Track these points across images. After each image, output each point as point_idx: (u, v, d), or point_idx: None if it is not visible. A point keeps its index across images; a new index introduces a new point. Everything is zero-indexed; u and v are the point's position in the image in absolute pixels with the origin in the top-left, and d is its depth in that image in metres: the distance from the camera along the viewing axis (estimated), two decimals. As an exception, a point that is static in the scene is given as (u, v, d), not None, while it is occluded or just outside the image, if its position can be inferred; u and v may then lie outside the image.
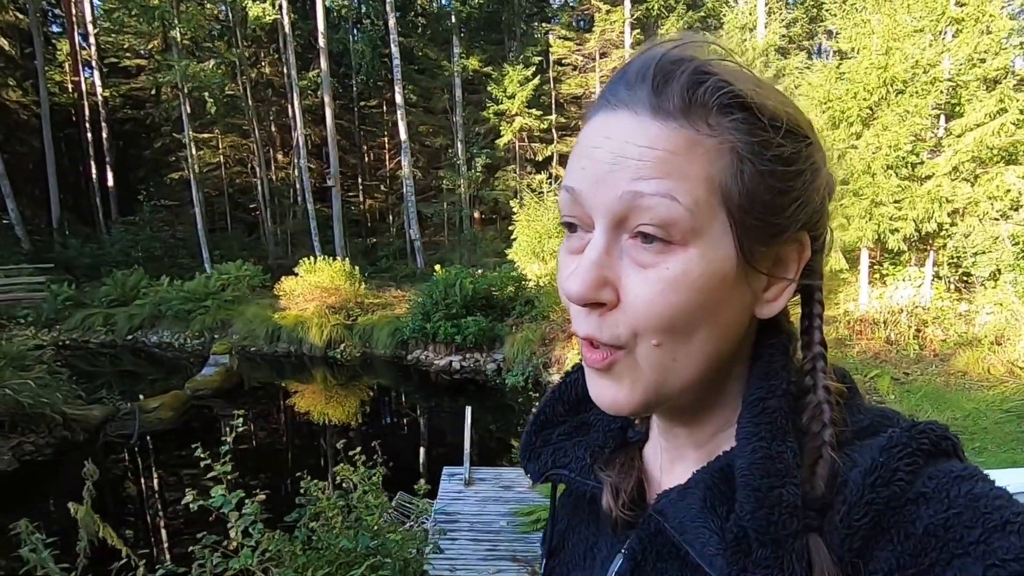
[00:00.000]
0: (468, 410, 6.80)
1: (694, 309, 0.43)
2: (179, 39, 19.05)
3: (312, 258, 14.77)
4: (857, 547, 0.39)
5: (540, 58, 22.28)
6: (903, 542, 0.37)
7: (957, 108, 11.92)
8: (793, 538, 0.40)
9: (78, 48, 23.48)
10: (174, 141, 23.62)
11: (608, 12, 21.11)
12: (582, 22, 24.48)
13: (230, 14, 21.34)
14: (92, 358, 13.11)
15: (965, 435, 6.49)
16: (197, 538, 2.85)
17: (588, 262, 0.44)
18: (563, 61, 22.75)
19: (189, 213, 22.77)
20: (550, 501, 0.65)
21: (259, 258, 19.40)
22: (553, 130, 22.24)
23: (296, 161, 23.89)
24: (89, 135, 23.52)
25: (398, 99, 20.04)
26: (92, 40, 23.28)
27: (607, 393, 0.47)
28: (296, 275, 14.13)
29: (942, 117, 12.03)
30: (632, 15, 20.90)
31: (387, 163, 26.88)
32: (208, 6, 21.44)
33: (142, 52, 24.58)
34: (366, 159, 26.93)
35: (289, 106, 23.61)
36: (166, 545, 6.02)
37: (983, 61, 11.20)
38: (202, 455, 2.91)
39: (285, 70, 23.19)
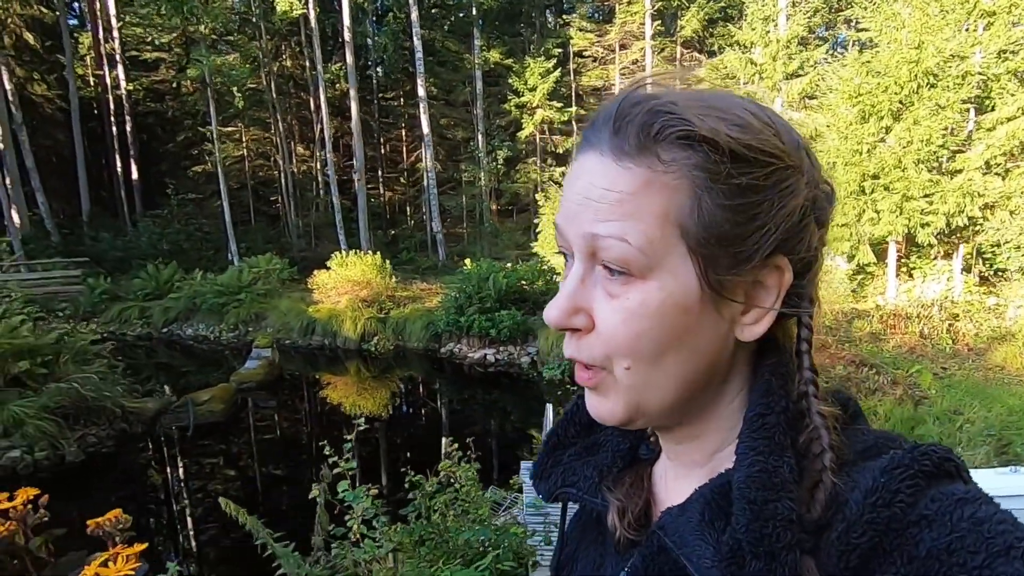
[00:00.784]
0: (548, 407, 7.00)
1: (657, 337, 0.46)
2: (205, 33, 19.19)
3: (342, 252, 15.00)
4: (854, 565, 0.40)
5: (560, 50, 22.32)
6: (907, 565, 0.38)
7: (987, 102, 11.95)
8: (787, 551, 0.41)
9: (101, 42, 23.67)
10: (196, 134, 23.87)
11: (629, 3, 21.13)
12: (599, 15, 24.48)
13: (252, 7, 21.45)
14: (130, 351, 13.36)
15: (1011, 431, 6.64)
16: (328, 531, 3.08)
17: (564, 292, 0.48)
18: (583, 53, 22.78)
19: (214, 206, 23.06)
20: (560, 520, 0.67)
21: (282, 251, 19.60)
22: (573, 122, 22.30)
23: (318, 154, 24.10)
24: (114, 129, 23.77)
25: (420, 92, 20.12)
26: (116, 34, 23.45)
27: (595, 407, 0.51)
28: (327, 268, 14.35)
29: (971, 111, 12.05)
30: (653, 6, 20.90)
31: (405, 155, 27.05)
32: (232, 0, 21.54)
33: (162, 46, 24.76)
34: (383, 151, 27.09)
35: (311, 99, 23.80)
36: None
37: (1015, 54, 11.20)
38: (328, 452, 3.10)
39: (308, 63, 23.36)
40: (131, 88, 24.33)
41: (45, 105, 24.21)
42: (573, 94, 22.76)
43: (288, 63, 24.81)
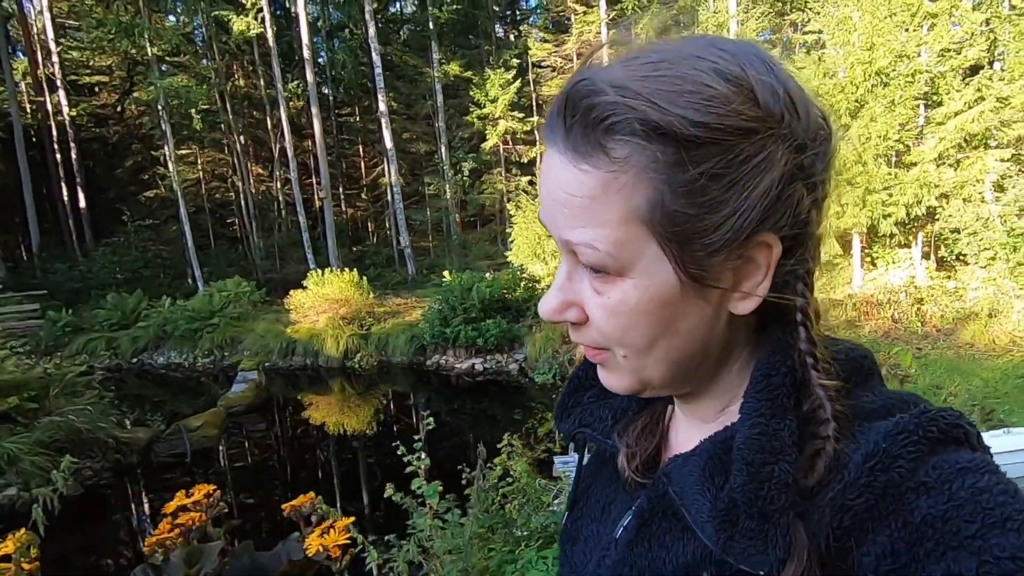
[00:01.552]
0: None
1: (644, 329, 0.46)
2: (152, 54, 18.64)
3: (314, 271, 14.78)
4: (847, 526, 0.40)
5: (519, 61, 22.61)
6: (900, 530, 0.38)
7: (935, 98, 12.67)
8: (779, 513, 0.41)
9: (40, 66, 22.78)
10: (146, 158, 23.17)
11: (585, 13, 21.59)
12: (555, 24, 24.90)
13: (204, 28, 21.04)
14: (100, 383, 12.88)
15: (991, 400, 7.04)
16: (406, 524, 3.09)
17: (554, 288, 0.50)
18: (542, 63, 23.13)
19: (171, 231, 22.39)
20: (577, 458, 0.68)
21: (246, 273, 19.14)
22: (536, 132, 22.58)
23: (277, 173, 23.70)
24: (58, 156, 22.83)
25: (382, 107, 20.03)
26: (55, 58, 22.60)
27: (605, 379, 0.53)
28: (302, 288, 14.13)
29: (922, 107, 12.76)
30: (608, 15, 21.41)
31: (363, 171, 26.85)
32: (182, 20, 21.08)
33: (103, 69, 24.01)
34: (342, 167, 26.83)
35: (268, 118, 23.42)
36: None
37: (959, 52, 11.93)
38: (403, 452, 3.12)
39: (262, 83, 22.99)
40: (75, 114, 23.46)
41: (-19, 134, 23.09)
42: (534, 104, 23.07)
43: (241, 82, 24.39)
